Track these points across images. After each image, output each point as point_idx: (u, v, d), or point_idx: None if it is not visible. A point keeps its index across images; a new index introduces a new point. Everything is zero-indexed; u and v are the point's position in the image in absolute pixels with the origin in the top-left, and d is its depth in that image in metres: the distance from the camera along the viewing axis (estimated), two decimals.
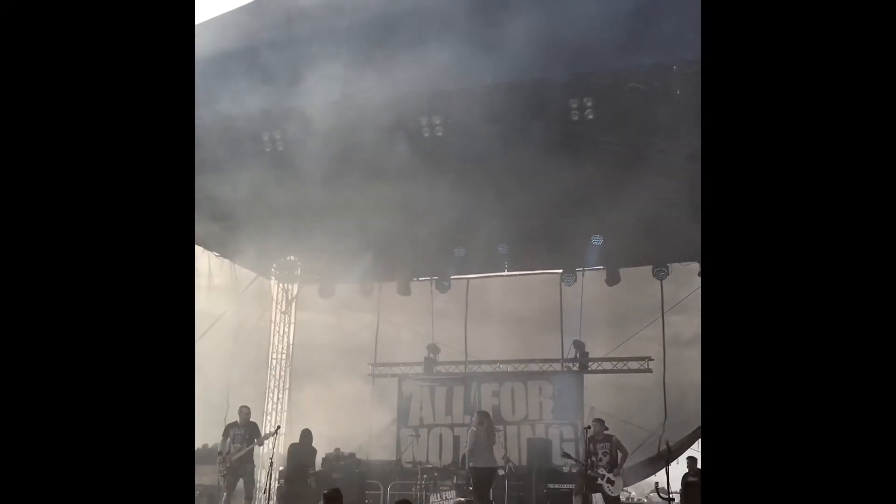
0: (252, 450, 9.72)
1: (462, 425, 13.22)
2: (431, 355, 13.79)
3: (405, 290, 13.91)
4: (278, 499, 10.51)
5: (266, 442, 10.35)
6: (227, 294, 13.14)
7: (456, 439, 13.17)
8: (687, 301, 12.01)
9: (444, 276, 13.68)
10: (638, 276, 12.71)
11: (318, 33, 8.41)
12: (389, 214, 10.88)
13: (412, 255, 13.11)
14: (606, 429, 9.46)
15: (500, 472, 9.16)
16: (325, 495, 6.68)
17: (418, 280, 14.09)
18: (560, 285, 13.19)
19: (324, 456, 11.64)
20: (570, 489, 9.50)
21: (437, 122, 8.52)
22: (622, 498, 9.65)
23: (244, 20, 8.74)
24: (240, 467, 9.60)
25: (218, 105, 8.16)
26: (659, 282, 12.46)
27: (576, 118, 8.12)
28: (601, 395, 12.64)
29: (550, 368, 13.41)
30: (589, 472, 9.19)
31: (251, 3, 9.02)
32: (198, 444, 10.54)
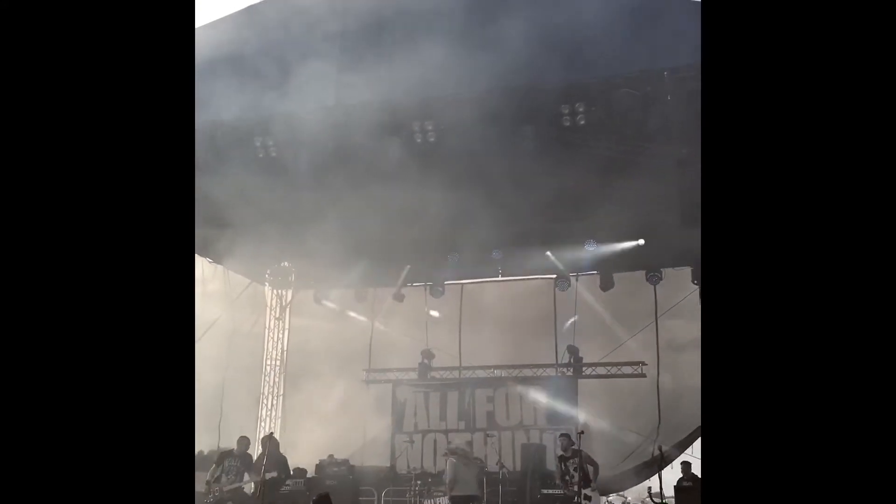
0: (241, 487, 9.15)
1: (456, 431, 13.22)
2: (426, 361, 13.78)
3: (399, 296, 13.93)
4: None
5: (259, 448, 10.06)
6: (221, 300, 13.11)
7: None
8: (680, 306, 12.05)
9: (439, 282, 13.69)
10: (631, 281, 12.73)
11: (311, 39, 8.44)
12: (383, 220, 10.88)
13: (406, 261, 13.12)
14: (573, 443, 9.34)
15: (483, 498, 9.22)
16: (314, 501, 6.66)
17: (412, 286, 14.09)
18: (554, 290, 13.20)
19: (317, 462, 11.62)
20: (564, 494, 9.49)
21: (430, 127, 8.54)
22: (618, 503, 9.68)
23: (237, 26, 8.76)
24: (229, 499, 9.03)
25: (211, 110, 8.17)
26: (652, 287, 12.47)
27: (568, 123, 8.15)
28: (595, 400, 12.66)
29: (544, 374, 13.41)
30: (565, 492, 9.18)
31: (244, 9, 9.04)
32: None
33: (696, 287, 11.84)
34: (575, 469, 9.09)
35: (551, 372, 13.34)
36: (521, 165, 9.09)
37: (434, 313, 13.90)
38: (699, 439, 11.46)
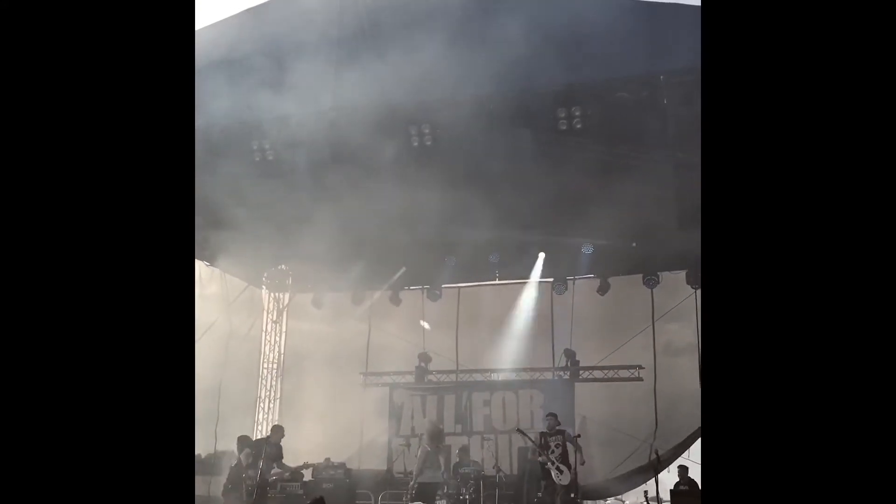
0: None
1: (454, 434, 13.21)
2: (423, 364, 13.78)
3: (396, 299, 13.93)
4: None
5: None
6: (218, 303, 13.11)
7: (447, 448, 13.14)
8: (677, 310, 12.06)
9: (436, 285, 13.69)
10: (628, 285, 12.74)
11: (308, 42, 8.44)
12: (380, 223, 10.89)
13: (403, 265, 13.12)
14: (559, 423, 9.63)
15: (445, 488, 9.34)
16: None
17: (409, 289, 14.10)
18: (551, 294, 13.21)
19: (314, 465, 11.59)
20: (541, 462, 9.51)
21: (427, 130, 8.55)
22: None
23: (234, 29, 8.77)
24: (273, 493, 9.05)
25: (208, 114, 8.17)
26: (649, 290, 12.48)
27: (564, 127, 8.16)
28: (592, 404, 12.67)
29: (542, 377, 13.40)
30: (540, 457, 9.39)
31: (242, 12, 9.05)
32: None
33: (693, 291, 11.86)
34: (556, 445, 9.29)
35: (548, 375, 13.34)
36: (518, 169, 9.12)
37: (425, 325, 13.91)
38: (696, 443, 11.47)
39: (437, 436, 9.65)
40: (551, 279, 13.18)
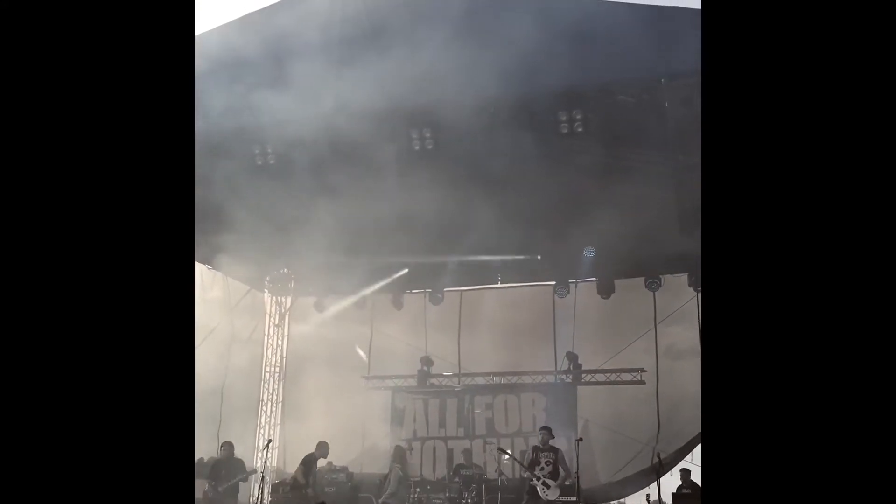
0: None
1: (455, 438, 13.21)
2: (425, 368, 13.78)
3: (398, 303, 13.94)
4: None
5: (258, 455, 10.19)
6: (221, 307, 13.12)
7: (450, 452, 13.14)
8: (680, 312, 12.05)
9: (438, 289, 13.69)
10: (630, 288, 12.73)
11: (309, 46, 8.45)
12: (382, 226, 10.90)
13: (405, 267, 13.13)
14: (552, 437, 9.59)
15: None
16: None
17: (411, 293, 14.10)
18: (553, 297, 13.20)
19: (316, 469, 11.59)
20: (564, 501, 9.48)
21: (428, 134, 8.56)
22: None
23: (235, 33, 8.78)
24: None
25: (209, 118, 8.19)
26: (651, 293, 12.47)
27: (565, 130, 8.16)
28: (594, 407, 12.65)
29: (544, 380, 13.39)
30: (525, 473, 9.36)
31: (242, 16, 9.07)
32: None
33: (695, 293, 11.85)
34: (547, 462, 9.24)
35: (550, 379, 13.31)
36: (519, 172, 9.13)
37: (362, 353, 13.97)
38: (698, 446, 11.44)
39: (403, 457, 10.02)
40: (553, 282, 13.17)
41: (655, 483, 9.58)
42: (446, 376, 13.90)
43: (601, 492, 12.11)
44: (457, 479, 10.88)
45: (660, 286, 12.42)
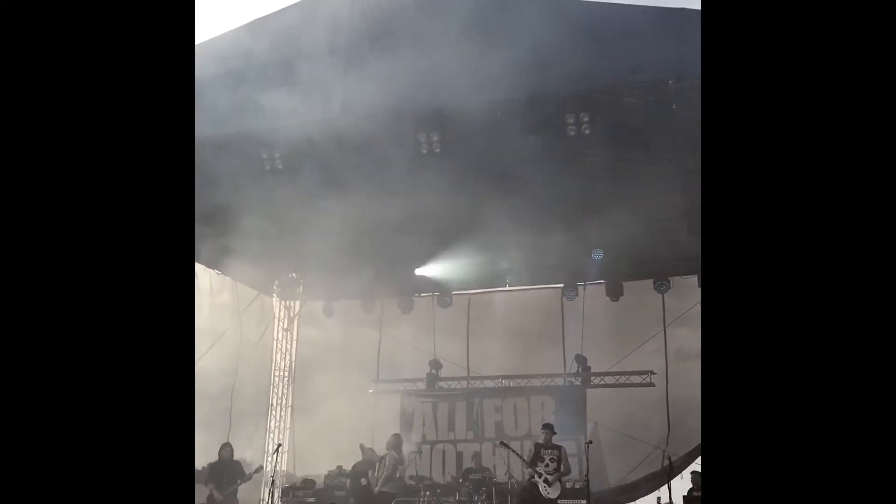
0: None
1: (465, 441, 13.19)
2: (434, 371, 13.77)
3: (407, 306, 13.94)
4: None
5: (269, 459, 10.19)
6: (230, 311, 13.16)
7: (459, 455, 13.11)
8: (689, 314, 11.98)
9: (446, 292, 13.69)
10: (639, 290, 12.70)
11: (316, 51, 8.48)
12: (390, 230, 10.91)
13: (412, 271, 13.14)
14: (555, 433, 9.51)
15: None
16: None
17: (420, 296, 14.10)
18: (561, 299, 13.18)
19: (325, 473, 11.61)
20: (530, 474, 9.44)
21: (436, 137, 8.57)
22: None
23: (243, 39, 8.82)
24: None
25: (216, 123, 8.22)
26: (660, 295, 12.44)
27: (573, 133, 8.16)
28: (604, 410, 12.60)
29: (553, 383, 13.36)
30: (527, 469, 9.30)
31: (249, 22, 9.11)
32: (198, 465, 10.42)
33: None
34: (552, 459, 9.17)
35: (559, 381, 13.28)
36: (527, 175, 9.12)
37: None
38: None
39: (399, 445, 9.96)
40: (561, 285, 13.15)
41: (666, 486, 9.52)
42: (455, 379, 13.89)
43: (611, 495, 12.06)
44: (466, 483, 10.84)
45: (669, 288, 12.39)
